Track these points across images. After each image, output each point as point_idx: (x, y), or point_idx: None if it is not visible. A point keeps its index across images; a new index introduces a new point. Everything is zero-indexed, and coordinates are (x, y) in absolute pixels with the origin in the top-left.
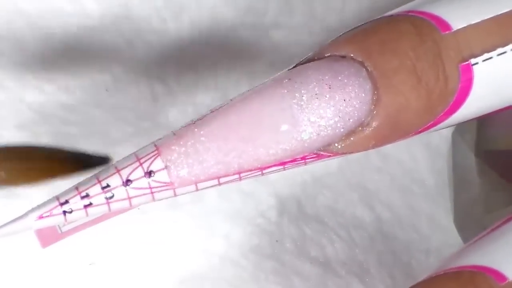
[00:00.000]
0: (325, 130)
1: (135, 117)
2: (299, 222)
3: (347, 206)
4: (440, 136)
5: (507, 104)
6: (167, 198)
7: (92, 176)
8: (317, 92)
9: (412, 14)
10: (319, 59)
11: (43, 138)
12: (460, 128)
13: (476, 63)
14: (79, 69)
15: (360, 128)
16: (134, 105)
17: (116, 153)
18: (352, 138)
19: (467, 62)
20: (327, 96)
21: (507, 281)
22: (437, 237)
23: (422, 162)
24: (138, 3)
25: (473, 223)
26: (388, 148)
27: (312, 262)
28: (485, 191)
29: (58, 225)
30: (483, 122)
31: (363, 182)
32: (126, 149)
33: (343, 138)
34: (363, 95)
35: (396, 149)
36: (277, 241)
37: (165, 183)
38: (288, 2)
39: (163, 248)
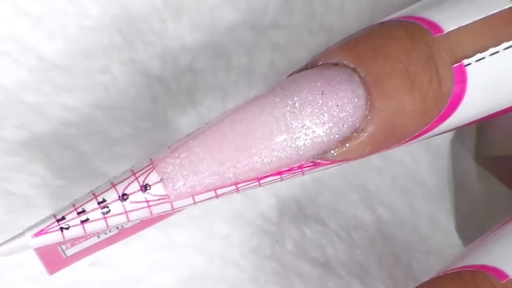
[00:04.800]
0: (320, 137)
1: (134, 117)
2: (299, 223)
3: (347, 207)
4: (440, 137)
5: (503, 107)
6: (165, 212)
7: (88, 192)
8: (310, 98)
9: (404, 19)
10: (312, 68)
11: (43, 138)
12: (459, 134)
13: (469, 64)
14: (79, 69)
15: (355, 134)
16: (133, 105)
17: (116, 153)
18: (348, 145)
19: (459, 63)
20: (320, 102)
21: (508, 279)
22: (438, 238)
23: (422, 163)
24: (138, 3)
25: (474, 229)
26: None
27: (313, 263)
28: (485, 197)
29: (62, 249)
30: (482, 128)
31: (363, 183)
32: (126, 149)
33: (339, 145)
34: (356, 100)
35: (397, 150)
36: (277, 242)
37: (161, 196)
38: (287, 2)
39: (163, 248)
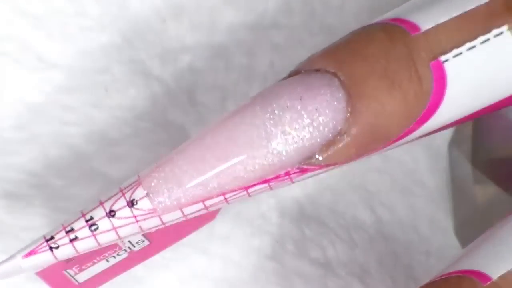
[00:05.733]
0: (301, 142)
1: (134, 117)
2: (299, 223)
3: (347, 207)
4: (441, 137)
5: (488, 103)
6: (156, 227)
7: (77, 211)
8: (289, 104)
9: (383, 22)
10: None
11: (43, 138)
12: (456, 139)
13: (447, 60)
14: (78, 69)
15: (338, 137)
16: (133, 105)
17: (115, 153)
18: (332, 148)
19: (437, 60)
20: (299, 107)
21: (491, 281)
22: (438, 238)
23: (423, 163)
24: (138, 3)
25: (473, 234)
26: None
27: (313, 263)
28: (483, 202)
29: (70, 274)
30: (478, 132)
31: (363, 183)
32: (126, 149)
33: (324, 149)
34: (335, 103)
35: (397, 150)
36: (277, 242)
37: (148, 210)
38: (287, 2)
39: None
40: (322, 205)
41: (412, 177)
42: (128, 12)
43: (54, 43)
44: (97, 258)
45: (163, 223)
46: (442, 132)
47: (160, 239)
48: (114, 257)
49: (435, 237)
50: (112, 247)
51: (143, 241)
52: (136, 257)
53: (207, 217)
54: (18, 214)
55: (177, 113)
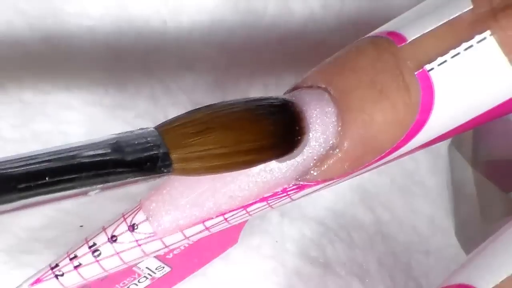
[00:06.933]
0: (292, 157)
1: (134, 117)
2: (299, 223)
3: (347, 207)
4: None
5: (479, 110)
6: (159, 250)
7: (82, 238)
8: None
9: (372, 35)
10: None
11: (42, 138)
12: (456, 140)
13: (432, 69)
14: (79, 69)
15: (331, 152)
16: (133, 105)
17: None
18: (326, 163)
19: (422, 69)
20: None
21: None
22: (437, 238)
23: (422, 163)
24: (138, 3)
25: (474, 235)
26: None
27: (313, 262)
28: (483, 203)
29: None
30: (478, 134)
31: (363, 183)
32: None
33: (318, 164)
34: (325, 118)
35: None
36: (277, 242)
37: (149, 234)
38: (287, 3)
39: None
40: (322, 205)
41: (412, 177)
42: (128, 12)
43: (54, 43)
44: (117, 286)
45: (166, 246)
46: None
47: (182, 265)
48: (136, 284)
49: (435, 237)
50: (130, 274)
51: (163, 267)
52: (160, 284)
53: (229, 241)
54: (18, 214)
55: (177, 113)
